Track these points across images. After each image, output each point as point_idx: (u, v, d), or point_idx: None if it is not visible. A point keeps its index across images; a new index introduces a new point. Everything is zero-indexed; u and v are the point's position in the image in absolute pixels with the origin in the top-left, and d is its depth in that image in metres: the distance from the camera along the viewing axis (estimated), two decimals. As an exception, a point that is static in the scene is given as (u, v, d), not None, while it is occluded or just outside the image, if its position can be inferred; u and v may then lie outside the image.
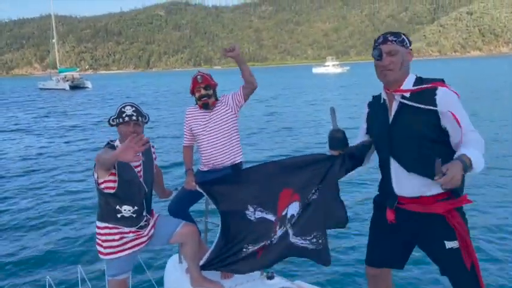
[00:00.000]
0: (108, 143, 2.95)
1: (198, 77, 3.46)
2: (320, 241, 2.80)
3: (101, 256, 3.00)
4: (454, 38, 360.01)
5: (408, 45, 2.30)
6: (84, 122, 23.78)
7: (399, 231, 2.42)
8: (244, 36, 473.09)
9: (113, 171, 2.79)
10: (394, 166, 2.33)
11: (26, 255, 6.37)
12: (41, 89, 70.21)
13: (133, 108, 2.88)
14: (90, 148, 15.09)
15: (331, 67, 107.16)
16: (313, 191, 2.72)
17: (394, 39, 2.26)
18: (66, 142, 16.86)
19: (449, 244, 2.22)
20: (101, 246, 2.96)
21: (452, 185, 1.88)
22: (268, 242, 2.97)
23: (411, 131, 2.21)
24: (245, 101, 3.53)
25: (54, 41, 74.67)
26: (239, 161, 3.55)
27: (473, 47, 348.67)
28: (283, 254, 3.02)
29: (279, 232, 2.91)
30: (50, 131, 20.58)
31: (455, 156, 1.99)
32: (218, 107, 3.50)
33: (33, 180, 11.07)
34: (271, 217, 2.96)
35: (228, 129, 3.48)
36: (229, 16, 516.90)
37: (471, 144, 2.03)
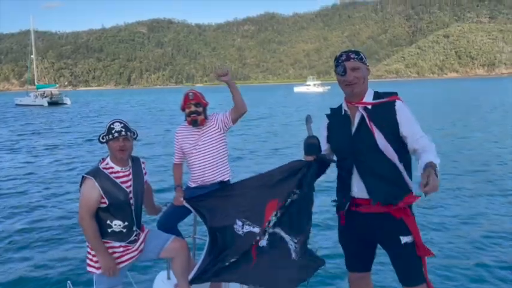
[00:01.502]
0: (101, 161, 3.01)
1: (190, 94, 3.56)
2: (297, 246, 2.86)
3: (90, 270, 3.02)
4: (431, 60, 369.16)
5: (366, 62, 2.56)
6: (67, 139, 23.40)
7: (361, 234, 2.63)
8: (226, 55, 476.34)
9: (102, 200, 2.87)
10: (356, 173, 2.53)
11: (16, 271, 6.27)
12: (17, 105, 68.74)
13: (122, 124, 2.96)
14: (77, 165, 14.92)
15: (312, 86, 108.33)
16: (293, 194, 2.85)
17: (356, 56, 2.52)
18: (50, 161, 16.53)
19: (404, 239, 2.46)
20: (91, 260, 2.99)
21: (434, 191, 2.08)
22: (255, 248, 3.03)
23: (373, 139, 2.42)
24: (234, 124, 3.63)
25: (32, 56, 73.78)
26: (227, 178, 3.64)
27: (450, 68, 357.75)
28: (272, 270, 3.01)
29: (264, 238, 2.99)
30: (30, 149, 20.15)
31: (423, 163, 2.24)
32: (207, 127, 3.59)
33: (20, 198, 10.86)
34: (257, 229, 3.03)
35: (217, 148, 3.57)
36: (212, 34, 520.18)
37: (428, 149, 2.33)
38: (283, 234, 2.93)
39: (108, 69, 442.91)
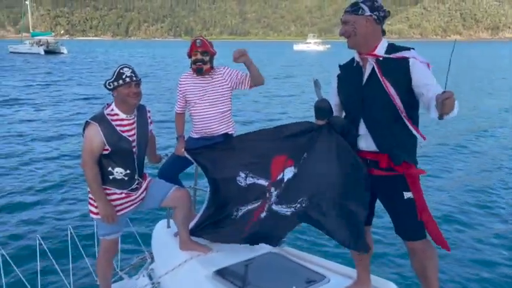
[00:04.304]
0: (106, 107, 2.96)
1: (198, 40, 3.46)
2: (325, 204, 2.72)
3: (92, 216, 3.06)
4: (436, 21, 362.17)
5: (366, 11, 2.45)
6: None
7: None
8: (227, 9, 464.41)
9: (105, 147, 2.84)
10: (363, 125, 2.51)
11: (17, 213, 6.39)
12: (11, 52, 67.41)
13: (131, 70, 2.88)
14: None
15: (312, 44, 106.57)
16: (305, 156, 2.78)
17: (349, 9, 2.49)
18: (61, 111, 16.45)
19: (407, 194, 2.47)
20: (93, 206, 3.01)
21: (450, 105, 2.01)
22: (265, 204, 3.01)
23: (383, 90, 2.38)
24: (249, 89, 3.59)
25: (27, 2, 71.60)
26: (231, 132, 3.60)
27: (454, 31, 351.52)
28: (270, 230, 3.05)
29: (274, 194, 2.96)
30: (38, 99, 19.90)
31: (435, 94, 2.12)
32: (216, 78, 3.51)
33: (23, 146, 10.95)
34: (263, 182, 3.02)
35: (222, 101, 3.51)
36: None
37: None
38: (299, 200, 2.85)
39: (105, 18, 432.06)
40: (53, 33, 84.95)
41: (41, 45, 63.60)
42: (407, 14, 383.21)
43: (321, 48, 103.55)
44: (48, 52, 62.45)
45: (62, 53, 64.91)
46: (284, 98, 20.97)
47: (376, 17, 2.45)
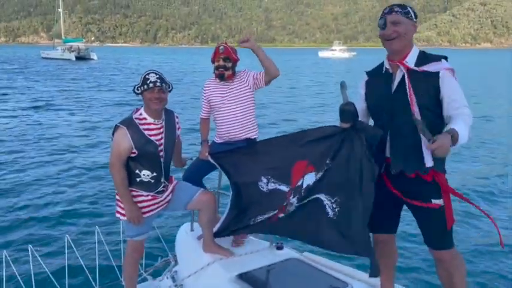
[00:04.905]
0: (135, 111, 3.04)
1: (221, 47, 3.51)
2: (338, 209, 2.74)
3: (119, 217, 3.13)
4: (465, 29, 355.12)
5: (413, 17, 2.41)
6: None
7: (388, 197, 2.56)
8: (253, 16, 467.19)
9: (132, 150, 2.92)
10: (391, 133, 2.46)
11: (47, 214, 6.59)
12: (43, 58, 69.42)
13: (157, 75, 2.95)
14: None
15: (337, 51, 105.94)
16: (328, 161, 2.75)
17: (400, 10, 2.39)
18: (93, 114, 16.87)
19: (436, 201, 2.40)
20: (120, 207, 3.08)
21: (442, 152, 2.03)
22: (282, 211, 3.01)
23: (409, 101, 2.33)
24: (266, 86, 3.60)
25: (60, 10, 73.81)
26: (254, 136, 3.62)
27: (484, 38, 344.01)
28: (297, 229, 3.01)
29: (293, 200, 2.95)
30: (74, 103, 20.44)
31: (445, 129, 2.16)
32: (237, 82, 3.55)
33: (55, 147, 11.35)
34: (284, 188, 3.01)
35: (245, 105, 3.55)
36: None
37: (461, 118, 2.20)
38: (316, 196, 2.84)
39: (134, 26, 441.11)
40: (84, 40, 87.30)
41: (72, 51, 65.38)
42: (436, 21, 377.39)
43: (346, 55, 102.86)
44: (79, 58, 64.19)
45: (92, 59, 66.58)
46: (309, 105, 20.91)
47: (417, 25, 2.44)
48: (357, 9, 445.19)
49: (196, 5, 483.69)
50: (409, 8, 2.41)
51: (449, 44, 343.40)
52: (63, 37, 72.12)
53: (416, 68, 2.37)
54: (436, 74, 2.32)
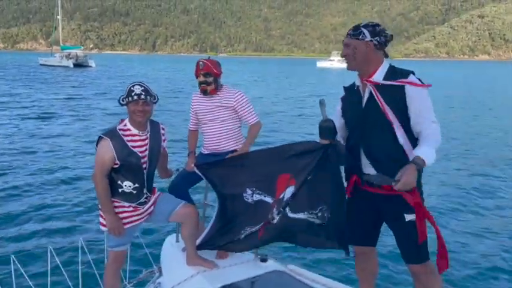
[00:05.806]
0: (120, 122, 3.03)
1: (201, 63, 3.55)
2: (326, 215, 2.81)
3: (102, 228, 3.12)
4: (463, 41, 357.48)
5: (365, 37, 2.46)
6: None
7: (367, 212, 2.64)
8: (252, 25, 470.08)
9: (115, 161, 2.91)
10: (364, 148, 2.52)
11: (30, 224, 6.49)
12: (41, 64, 69.37)
13: (142, 88, 2.95)
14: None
15: (335, 62, 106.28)
16: (308, 174, 2.81)
17: (351, 33, 2.52)
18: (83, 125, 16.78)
19: (408, 217, 2.45)
20: (102, 217, 3.08)
21: (408, 187, 2.20)
22: (267, 223, 3.03)
23: (382, 115, 2.40)
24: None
25: (58, 17, 73.96)
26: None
27: (482, 50, 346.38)
28: (283, 236, 3.08)
29: (275, 213, 2.97)
30: (62, 110, 20.30)
31: (411, 157, 2.28)
32: (221, 96, 3.57)
33: (36, 155, 11.19)
34: (269, 199, 3.05)
35: (230, 119, 3.59)
36: (238, 3, 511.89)
37: (426, 140, 2.30)
38: (295, 215, 2.93)
39: (133, 33, 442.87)
40: (83, 47, 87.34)
41: (70, 58, 65.38)
42: (434, 32, 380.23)
43: (344, 65, 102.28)
44: (76, 65, 64.09)
45: (90, 66, 66.54)
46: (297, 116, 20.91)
47: (376, 43, 2.46)
48: (355, 19, 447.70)
49: (196, 14, 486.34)
50: (362, 29, 2.48)
51: (448, 55, 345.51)
52: (61, 44, 72.22)
53: (383, 82, 2.42)
54: (401, 88, 2.37)
